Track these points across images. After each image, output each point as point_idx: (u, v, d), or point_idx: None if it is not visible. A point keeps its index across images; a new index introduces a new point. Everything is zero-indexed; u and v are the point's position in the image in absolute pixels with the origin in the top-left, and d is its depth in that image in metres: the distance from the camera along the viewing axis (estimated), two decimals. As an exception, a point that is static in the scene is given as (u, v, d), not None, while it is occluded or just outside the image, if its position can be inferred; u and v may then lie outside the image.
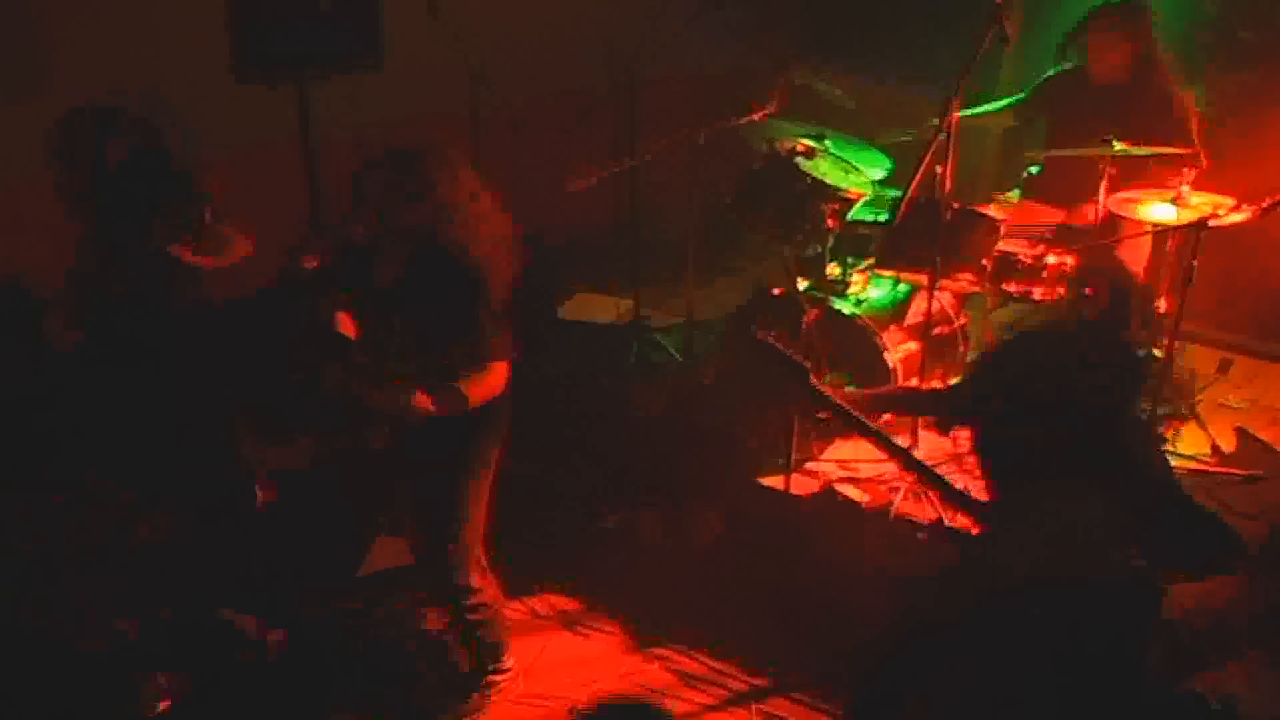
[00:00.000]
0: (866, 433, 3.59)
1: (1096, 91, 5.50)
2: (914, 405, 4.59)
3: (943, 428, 4.40)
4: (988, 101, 5.94)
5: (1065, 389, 2.95)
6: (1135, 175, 5.29)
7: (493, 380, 3.85)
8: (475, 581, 4.10)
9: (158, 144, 4.75)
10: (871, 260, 5.46)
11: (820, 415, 3.82)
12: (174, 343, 4.52)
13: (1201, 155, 5.32)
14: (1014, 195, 5.92)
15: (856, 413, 3.58)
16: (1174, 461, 5.32)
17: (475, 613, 4.16)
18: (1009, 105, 5.88)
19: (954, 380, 5.34)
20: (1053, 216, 5.57)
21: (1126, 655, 3.15)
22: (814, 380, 3.62)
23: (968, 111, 5.63)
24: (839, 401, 3.62)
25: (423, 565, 4.21)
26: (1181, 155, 5.17)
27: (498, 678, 4.29)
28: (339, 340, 4.09)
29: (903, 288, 5.57)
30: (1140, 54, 5.44)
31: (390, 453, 4.13)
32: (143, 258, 4.49)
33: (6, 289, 4.89)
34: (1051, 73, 5.76)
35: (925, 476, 3.64)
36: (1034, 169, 5.92)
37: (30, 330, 4.80)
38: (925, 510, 4.93)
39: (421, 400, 3.75)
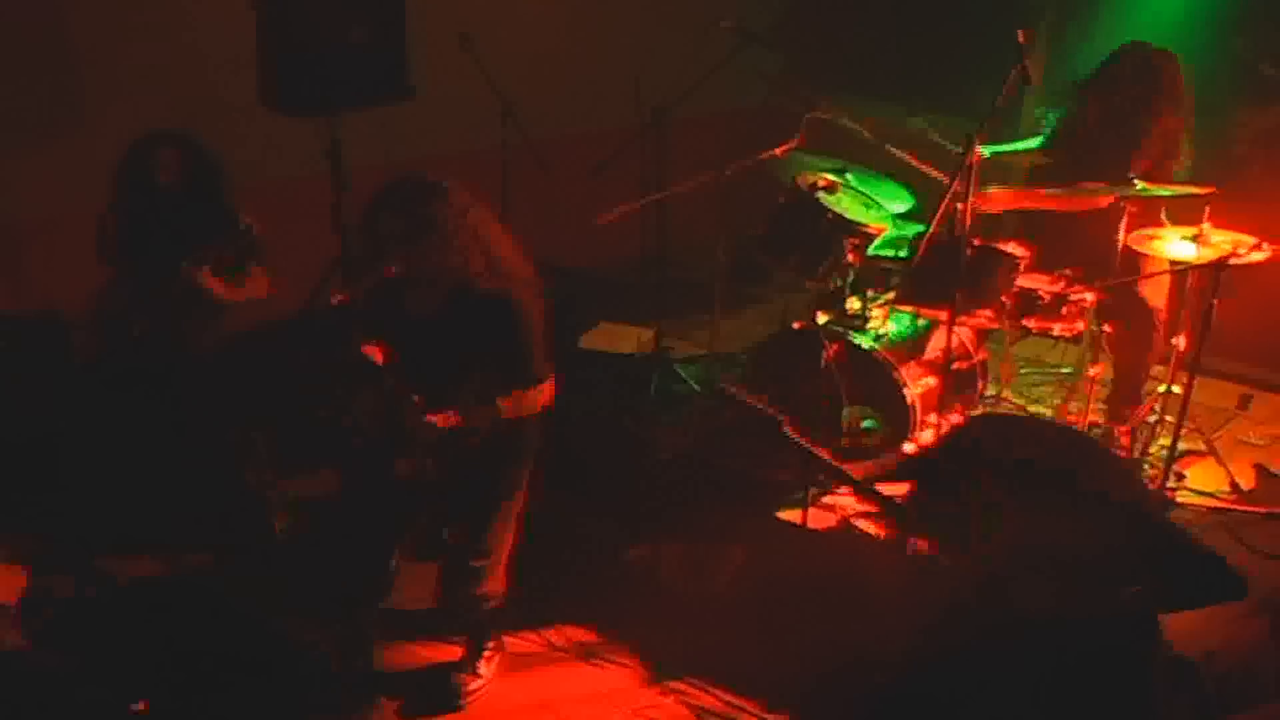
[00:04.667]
0: (846, 480, 3.63)
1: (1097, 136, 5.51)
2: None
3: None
4: (1008, 142, 5.93)
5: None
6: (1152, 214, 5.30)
7: (535, 397, 4.07)
8: (500, 587, 4.36)
9: (210, 173, 4.88)
10: (891, 295, 5.51)
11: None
12: (192, 378, 4.62)
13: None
14: (1036, 142, 5.85)
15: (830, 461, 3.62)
16: (1193, 499, 5.35)
17: (491, 608, 4.39)
18: (1040, 146, 5.88)
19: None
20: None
21: (1131, 688, 3.16)
22: (788, 430, 3.66)
23: (1007, 148, 5.70)
24: (811, 449, 3.66)
25: (454, 578, 4.35)
26: (1202, 195, 5.18)
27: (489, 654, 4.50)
28: (369, 367, 4.19)
29: (922, 322, 5.60)
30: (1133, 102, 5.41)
31: (417, 479, 4.23)
32: (168, 300, 4.60)
33: (45, 322, 5.01)
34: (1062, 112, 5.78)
35: (909, 525, 3.66)
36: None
37: (65, 361, 4.91)
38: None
39: (449, 419, 3.93)
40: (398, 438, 4.12)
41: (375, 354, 4.14)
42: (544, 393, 4.11)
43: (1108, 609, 3.04)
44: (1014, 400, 6.00)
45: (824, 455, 3.68)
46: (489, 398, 3.98)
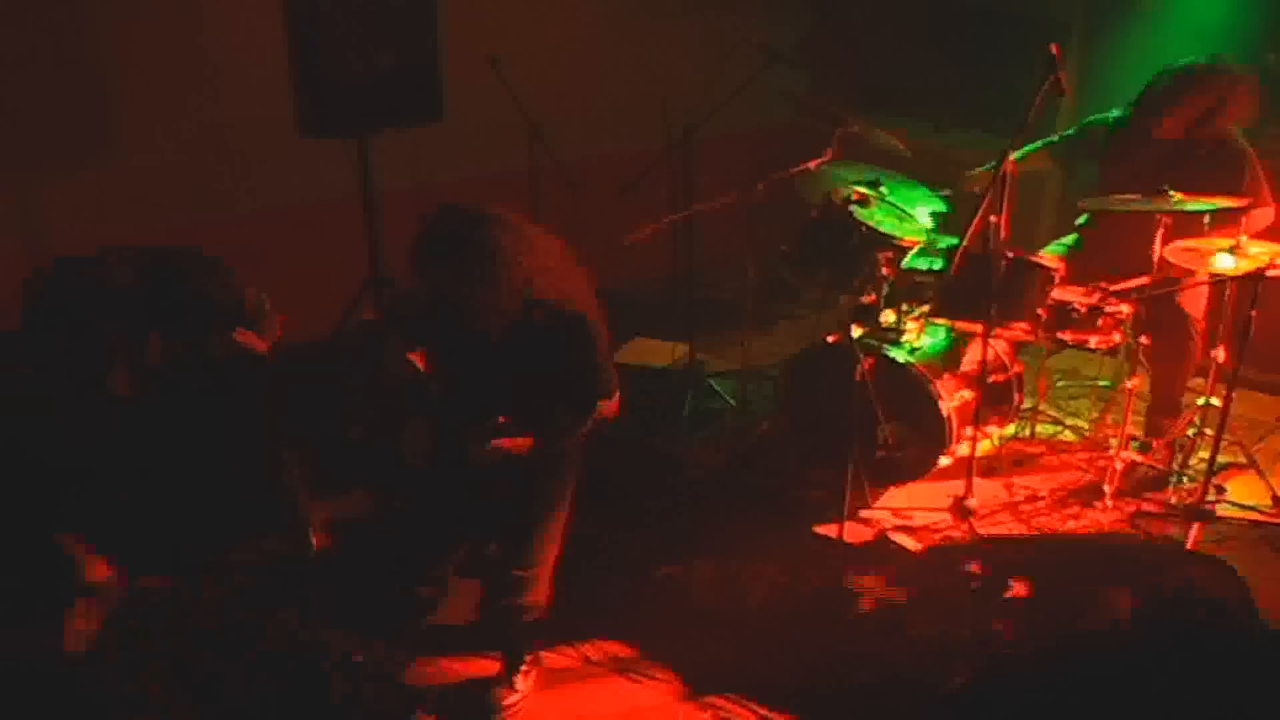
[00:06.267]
0: None
1: (1154, 145, 5.48)
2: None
3: None
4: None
5: None
6: (1191, 227, 5.27)
7: (608, 406, 4.13)
8: (543, 598, 4.36)
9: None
10: (926, 308, 5.48)
11: None
12: (231, 395, 4.61)
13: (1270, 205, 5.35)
14: (1070, 240, 5.91)
15: None
16: (1234, 512, 5.29)
17: (532, 619, 4.39)
18: (1045, 145, 5.87)
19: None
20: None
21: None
22: None
23: (1032, 148, 5.69)
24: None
25: (497, 589, 4.37)
26: (1239, 209, 5.15)
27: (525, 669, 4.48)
28: (412, 378, 4.17)
29: (957, 335, 5.58)
30: (1205, 114, 5.41)
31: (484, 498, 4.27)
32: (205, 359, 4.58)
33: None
34: (1095, 119, 5.75)
35: None
36: (1081, 219, 5.90)
37: (99, 384, 4.89)
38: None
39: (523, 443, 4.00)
40: (458, 459, 4.11)
41: (418, 360, 4.13)
42: (614, 401, 4.14)
43: None
44: (1051, 413, 5.96)
45: None
46: (574, 417, 4.04)
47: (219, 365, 4.72)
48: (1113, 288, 5.30)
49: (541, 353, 3.96)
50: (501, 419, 4.04)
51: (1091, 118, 5.77)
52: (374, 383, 4.79)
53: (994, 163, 4.92)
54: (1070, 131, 5.85)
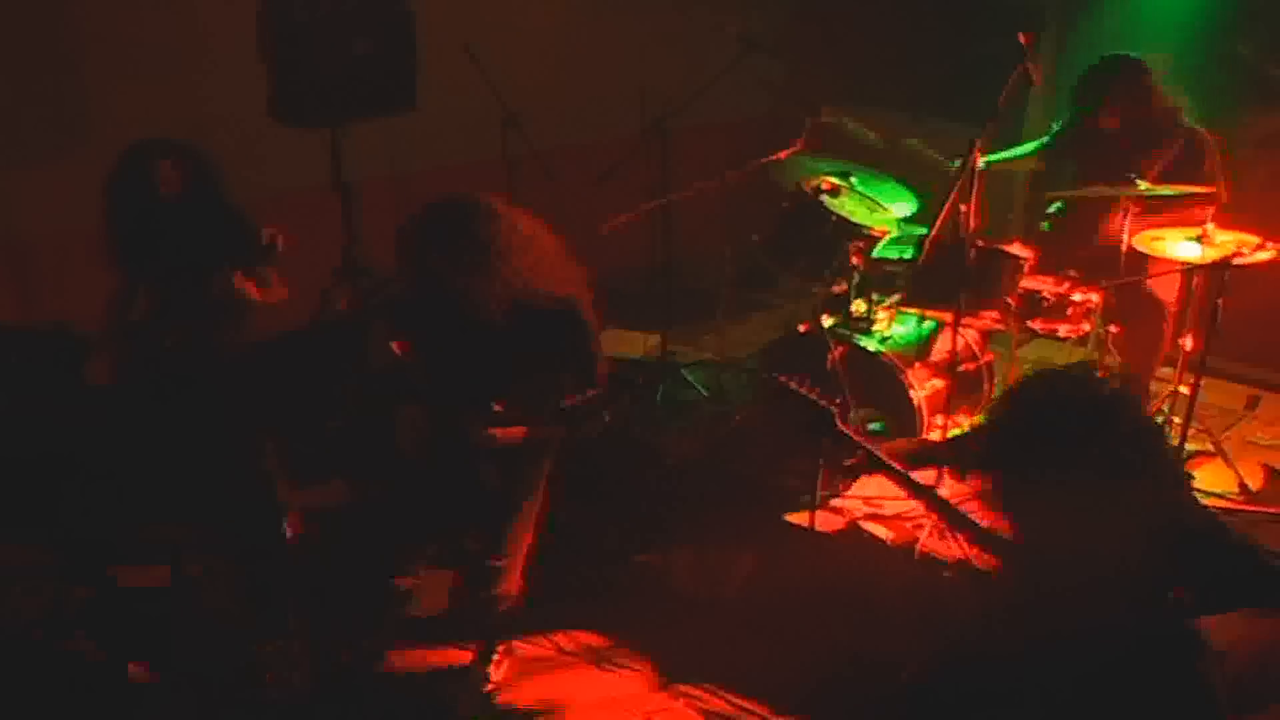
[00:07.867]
0: (894, 475, 3.59)
1: (1113, 141, 5.51)
2: (933, 458, 4.60)
3: (960, 472, 4.44)
4: (1014, 144, 5.97)
5: (1087, 433, 2.91)
6: (1158, 213, 5.31)
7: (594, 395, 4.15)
8: (516, 588, 4.38)
9: (210, 176, 4.88)
10: (897, 298, 5.51)
11: (848, 461, 3.82)
12: (215, 384, 4.63)
13: (1223, 193, 5.37)
14: (1045, 227, 5.94)
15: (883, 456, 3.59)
16: (1202, 500, 5.32)
17: (506, 608, 4.40)
18: (1036, 150, 5.91)
19: (970, 425, 5.36)
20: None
21: (1168, 700, 3.12)
22: (840, 424, 3.62)
23: (996, 157, 5.69)
24: (866, 445, 3.61)
25: (473, 579, 4.40)
26: (1205, 194, 5.19)
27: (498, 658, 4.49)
28: (395, 367, 4.20)
29: (928, 325, 5.61)
30: (1141, 111, 5.44)
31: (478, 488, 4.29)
32: (191, 306, 4.60)
33: (54, 335, 5.02)
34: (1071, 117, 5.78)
35: (952, 518, 3.67)
36: (1053, 207, 5.93)
37: (76, 375, 4.92)
38: (950, 548, 4.95)
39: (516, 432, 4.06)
40: (458, 444, 4.14)
41: (398, 348, 4.15)
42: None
43: (1149, 617, 2.98)
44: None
45: (882, 453, 3.62)
46: (563, 405, 4.06)
47: (208, 310, 4.76)
48: (1080, 293, 5.35)
49: (539, 338, 4.00)
50: (499, 405, 4.07)
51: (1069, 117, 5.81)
52: (354, 371, 4.82)
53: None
54: (1057, 128, 5.88)
